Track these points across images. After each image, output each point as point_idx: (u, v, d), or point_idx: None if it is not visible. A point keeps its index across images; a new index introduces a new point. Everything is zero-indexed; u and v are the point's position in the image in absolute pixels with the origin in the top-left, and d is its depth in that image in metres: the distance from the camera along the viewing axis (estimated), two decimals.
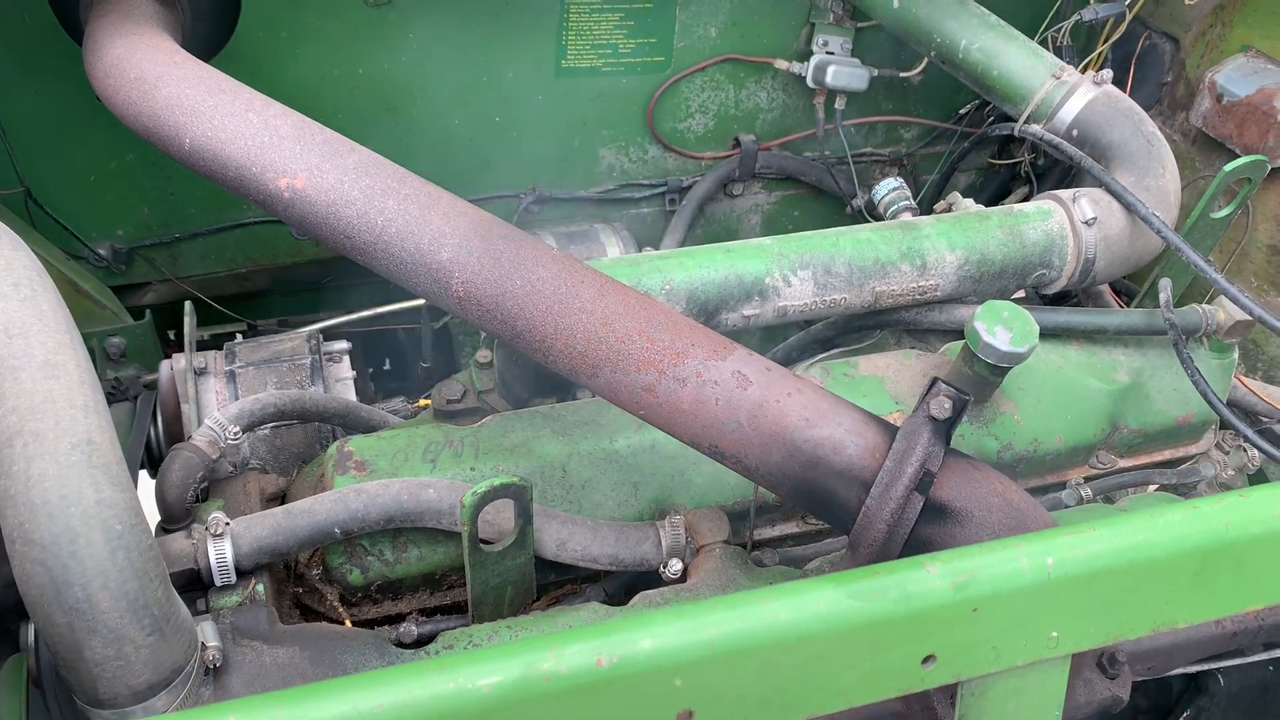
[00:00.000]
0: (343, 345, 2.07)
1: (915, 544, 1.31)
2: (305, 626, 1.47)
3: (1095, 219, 1.91)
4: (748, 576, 1.56)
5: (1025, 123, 2.14)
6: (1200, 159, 2.39)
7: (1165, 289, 1.87)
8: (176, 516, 1.53)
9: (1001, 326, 1.68)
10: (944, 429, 1.33)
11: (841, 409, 1.38)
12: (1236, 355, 1.99)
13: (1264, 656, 1.95)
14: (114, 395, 2.25)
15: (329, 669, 1.37)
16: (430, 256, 1.45)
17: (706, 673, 0.94)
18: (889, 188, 2.06)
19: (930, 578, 0.99)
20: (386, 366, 3.03)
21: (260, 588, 1.48)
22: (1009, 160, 2.71)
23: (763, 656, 0.95)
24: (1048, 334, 1.92)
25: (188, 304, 1.97)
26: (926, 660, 1.01)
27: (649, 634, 0.93)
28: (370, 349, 2.91)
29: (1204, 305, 1.93)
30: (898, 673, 1.00)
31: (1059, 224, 1.93)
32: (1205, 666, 1.96)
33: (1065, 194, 1.96)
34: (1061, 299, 2.22)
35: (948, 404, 1.32)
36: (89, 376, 1.26)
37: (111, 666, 1.17)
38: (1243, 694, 2.22)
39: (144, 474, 2.00)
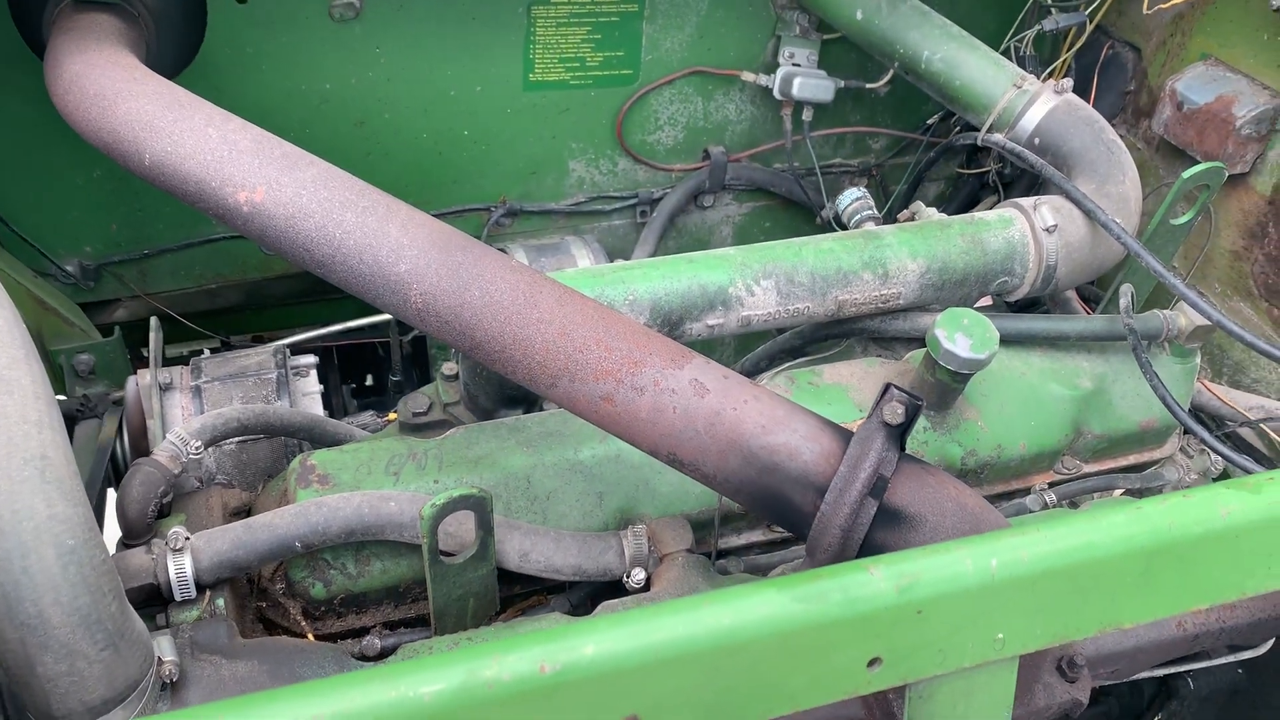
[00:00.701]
0: (309, 360, 2.07)
1: (870, 549, 1.32)
2: (265, 640, 1.46)
3: (1056, 226, 1.93)
4: (710, 585, 1.57)
5: (988, 132, 2.16)
6: (1163, 167, 2.41)
7: (1126, 295, 1.88)
8: (137, 531, 1.53)
9: (962, 334, 1.69)
10: (897, 434, 1.34)
11: (797, 415, 1.39)
12: (1199, 360, 2.00)
13: (1230, 659, 1.96)
14: (82, 413, 2.25)
15: (287, 682, 1.37)
16: (389, 269, 1.46)
17: (652, 678, 0.95)
18: (852, 198, 2.08)
19: (874, 580, 1.00)
20: (369, 382, 3.03)
21: (220, 602, 1.48)
22: (977, 170, 2.73)
23: (707, 661, 0.96)
24: (1010, 341, 1.93)
25: (154, 319, 1.96)
26: (872, 663, 1.01)
27: (593, 640, 0.94)
28: (352, 364, 2.91)
29: (1165, 311, 1.94)
30: (844, 676, 1.01)
31: (1020, 232, 1.95)
32: (1173, 670, 1.97)
33: (1026, 202, 1.98)
34: (1031, 307, 2.24)
35: (900, 409, 1.33)
36: (44, 391, 1.26)
37: (64, 682, 1.17)
38: (1212, 697, 2.23)
39: (112, 491, 1.99)
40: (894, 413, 1.33)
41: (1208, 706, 2.25)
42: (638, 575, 1.57)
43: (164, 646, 1.32)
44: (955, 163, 2.80)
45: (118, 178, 2.26)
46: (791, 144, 2.58)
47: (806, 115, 2.54)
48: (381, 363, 2.91)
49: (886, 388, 1.35)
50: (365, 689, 0.89)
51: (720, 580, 1.59)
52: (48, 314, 2.22)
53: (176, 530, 1.47)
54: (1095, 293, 2.36)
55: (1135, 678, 1.97)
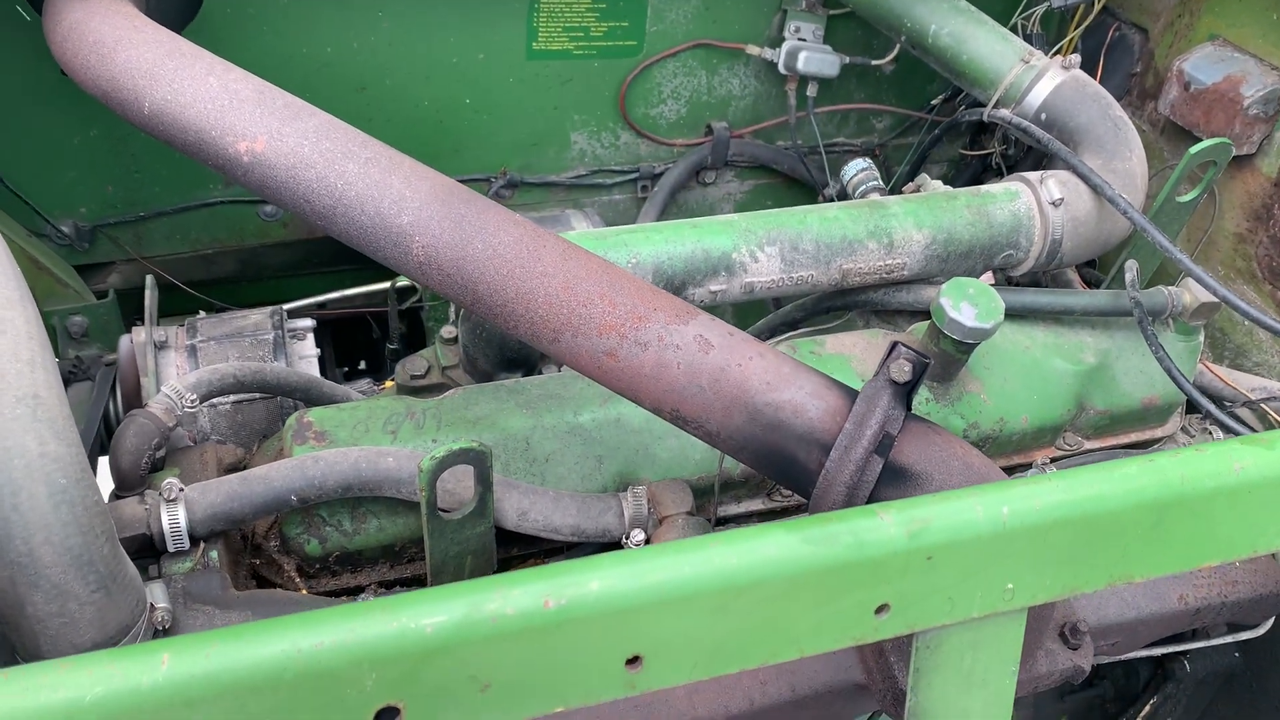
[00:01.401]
0: (307, 323, 2.05)
1: None
2: (258, 592, 1.44)
3: (1062, 200, 1.91)
4: None
5: (994, 107, 2.14)
6: (1168, 149, 2.40)
7: (1131, 269, 1.87)
8: (130, 483, 1.51)
9: (967, 303, 1.67)
10: (904, 392, 1.32)
11: (803, 373, 1.37)
12: (1202, 338, 1.99)
13: (1229, 639, 1.95)
14: (75, 375, 2.22)
15: None
16: (391, 220, 1.44)
17: (656, 617, 0.93)
18: (857, 168, 2.06)
19: (884, 525, 0.98)
20: (362, 366, 3.01)
21: (214, 554, 1.45)
22: (980, 151, 2.72)
23: (713, 601, 0.94)
24: (1014, 315, 1.92)
25: (149, 278, 1.94)
26: (880, 610, 1.00)
27: (598, 577, 0.92)
28: (345, 347, 2.89)
29: (1170, 287, 1.93)
30: (851, 622, 0.99)
31: (1026, 205, 1.93)
32: (1171, 649, 1.96)
33: (1033, 176, 1.97)
34: (1030, 286, 2.22)
35: (908, 367, 1.31)
36: (37, 332, 1.24)
37: (55, 623, 1.15)
38: (1209, 680, 2.22)
39: (104, 460, 1.97)
40: (901, 370, 1.31)
41: (1204, 690, 2.24)
42: (637, 536, 1.55)
43: (156, 593, 1.30)
44: (959, 144, 2.78)
45: (114, 138, 2.24)
46: (795, 120, 2.57)
47: (811, 91, 2.53)
48: (376, 344, 2.90)
49: (894, 345, 1.33)
50: (366, 620, 0.87)
51: None
52: (41, 274, 2.19)
53: (170, 481, 1.45)
54: (1096, 276, 2.35)
55: (1133, 655, 1.96)
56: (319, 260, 2.74)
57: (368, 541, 1.58)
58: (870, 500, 1.30)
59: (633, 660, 0.94)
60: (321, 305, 2.37)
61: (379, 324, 2.98)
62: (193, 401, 1.58)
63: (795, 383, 1.35)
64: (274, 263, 2.68)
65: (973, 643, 1.05)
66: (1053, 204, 1.91)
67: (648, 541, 1.57)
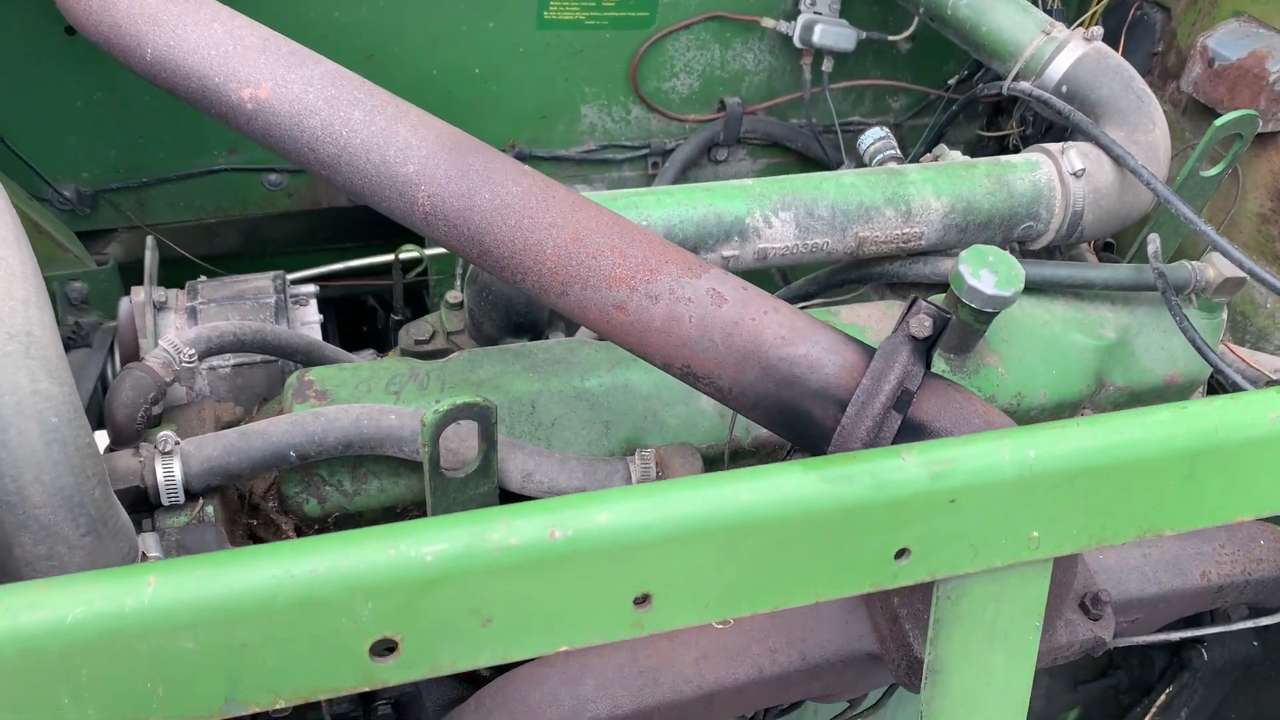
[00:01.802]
0: (310, 288, 2.01)
1: None
2: (256, 547, 1.40)
3: (1084, 170, 1.87)
4: None
5: (1014, 80, 2.10)
6: (1190, 129, 2.36)
7: (1154, 241, 1.83)
8: (125, 438, 1.47)
9: (987, 270, 1.63)
10: (924, 348, 1.28)
11: (818, 328, 1.33)
12: (1225, 316, 1.95)
13: (1248, 624, 1.90)
14: (74, 341, 2.19)
15: None
16: (396, 169, 1.40)
17: (667, 554, 0.89)
18: (874, 137, 2.01)
19: (906, 466, 0.94)
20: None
21: (210, 510, 1.41)
22: (998, 132, 2.67)
23: (726, 539, 0.90)
24: (1033, 288, 1.87)
25: (149, 238, 1.91)
26: (900, 554, 0.95)
27: (607, 509, 0.88)
28: (346, 329, 2.85)
29: (1193, 262, 1.88)
30: (869, 566, 0.95)
31: (1047, 175, 1.89)
32: (1188, 634, 1.91)
33: (1054, 146, 1.92)
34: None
35: (928, 322, 1.27)
36: (32, 272, 1.22)
37: (43, 566, 1.11)
38: (1227, 669, 2.17)
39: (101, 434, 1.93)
40: (921, 325, 1.27)
41: (1221, 679, 2.19)
42: None
43: (149, 544, 1.26)
44: (975, 125, 2.74)
45: (118, 101, 2.20)
46: (810, 96, 2.53)
47: (826, 66, 2.49)
48: (381, 331, 2.86)
49: (914, 300, 1.29)
50: (363, 548, 0.83)
51: None
52: (41, 238, 2.16)
53: (166, 433, 1.41)
54: (1114, 259, 2.30)
55: (1151, 640, 1.92)
56: (323, 236, 2.71)
57: (368, 503, 1.54)
58: None
59: (641, 600, 0.90)
60: (326, 278, 2.33)
61: (383, 305, 2.95)
62: (191, 356, 1.54)
63: (811, 338, 1.31)
64: (277, 236, 2.64)
65: (995, 594, 1.01)
66: (1074, 175, 1.87)
67: None
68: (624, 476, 1.53)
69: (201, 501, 1.41)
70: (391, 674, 0.85)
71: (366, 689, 0.85)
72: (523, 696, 1.37)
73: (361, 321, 2.92)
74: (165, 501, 1.39)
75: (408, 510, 1.57)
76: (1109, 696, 2.35)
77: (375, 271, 2.46)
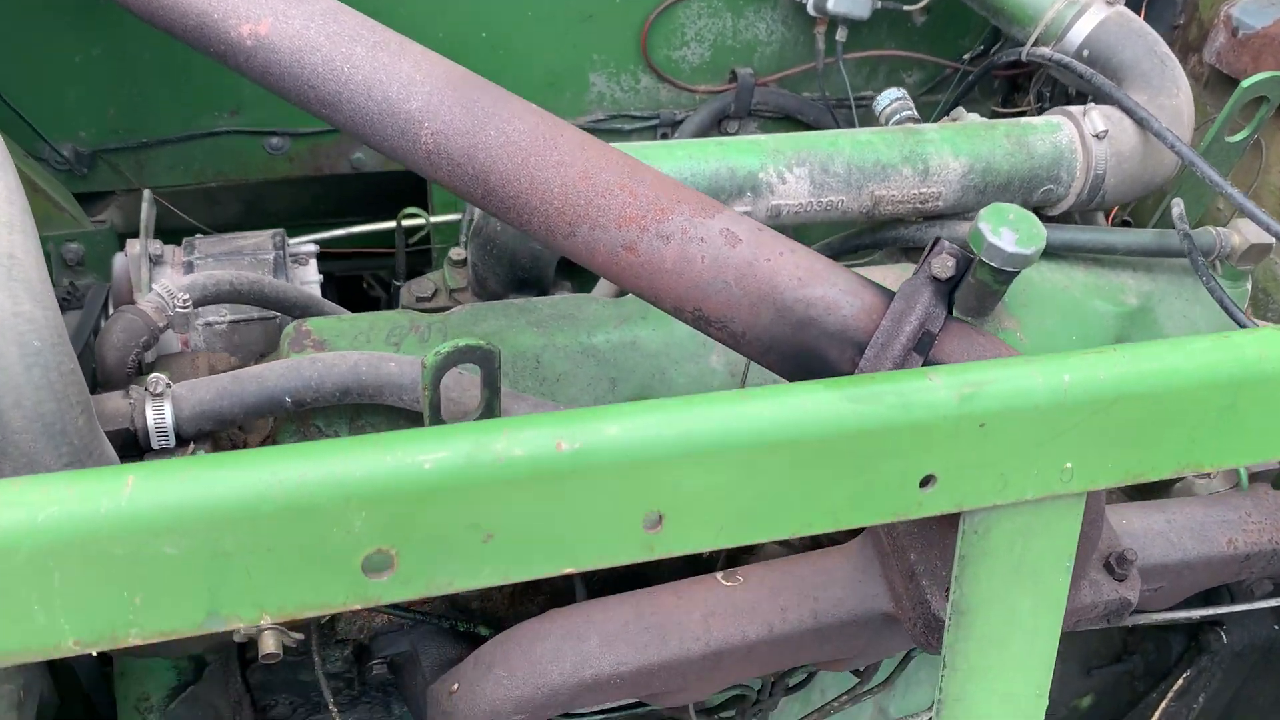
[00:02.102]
0: (310, 248, 1.96)
1: None
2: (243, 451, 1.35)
3: (1106, 132, 1.82)
4: None
5: (1034, 45, 2.05)
6: (1211, 102, 2.30)
7: (1179, 205, 1.77)
8: (116, 381, 1.42)
9: (1007, 228, 1.56)
10: (946, 290, 1.23)
11: (836, 270, 1.28)
12: (1250, 286, 1.90)
13: (1273, 602, 1.84)
14: (68, 302, 2.14)
15: None
16: (399, 106, 1.35)
17: (680, 471, 0.83)
18: (891, 98, 1.97)
19: (933, 387, 0.89)
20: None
21: (202, 455, 1.36)
22: (1014, 109, 2.62)
23: (744, 458, 0.85)
24: (1054, 252, 1.82)
25: (146, 192, 1.85)
26: (926, 482, 0.90)
27: (618, 423, 0.82)
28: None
29: (1218, 228, 1.83)
30: (893, 493, 0.89)
31: (1068, 137, 1.84)
32: (1209, 611, 1.85)
33: (1076, 109, 1.87)
34: None
35: (950, 262, 1.23)
36: (17, 199, 1.18)
37: None
38: (1246, 653, 2.11)
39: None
40: (943, 265, 1.22)
41: (1240, 663, 2.13)
42: None
43: None
44: (991, 102, 2.69)
45: (117, 57, 2.16)
46: (823, 67, 2.47)
47: (840, 35, 2.44)
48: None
49: (935, 240, 1.24)
50: (357, 453, 0.78)
51: None
52: (37, 196, 2.10)
53: (157, 375, 1.36)
54: None
55: (1172, 617, 1.86)
56: (325, 208, 2.66)
57: None
58: None
59: (653, 521, 0.84)
60: (327, 242, 2.27)
61: (384, 288, 2.90)
62: (185, 302, 1.50)
63: (828, 279, 1.26)
64: (278, 207, 2.60)
65: (1025, 529, 0.96)
66: (1096, 137, 1.82)
67: None
68: None
69: (193, 446, 1.36)
70: (385, 591, 0.80)
71: (359, 607, 0.80)
72: (524, 652, 1.32)
73: (364, 307, 2.87)
74: (155, 445, 1.34)
75: None
76: (1124, 682, 2.29)
77: (377, 240, 2.41)
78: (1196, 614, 1.86)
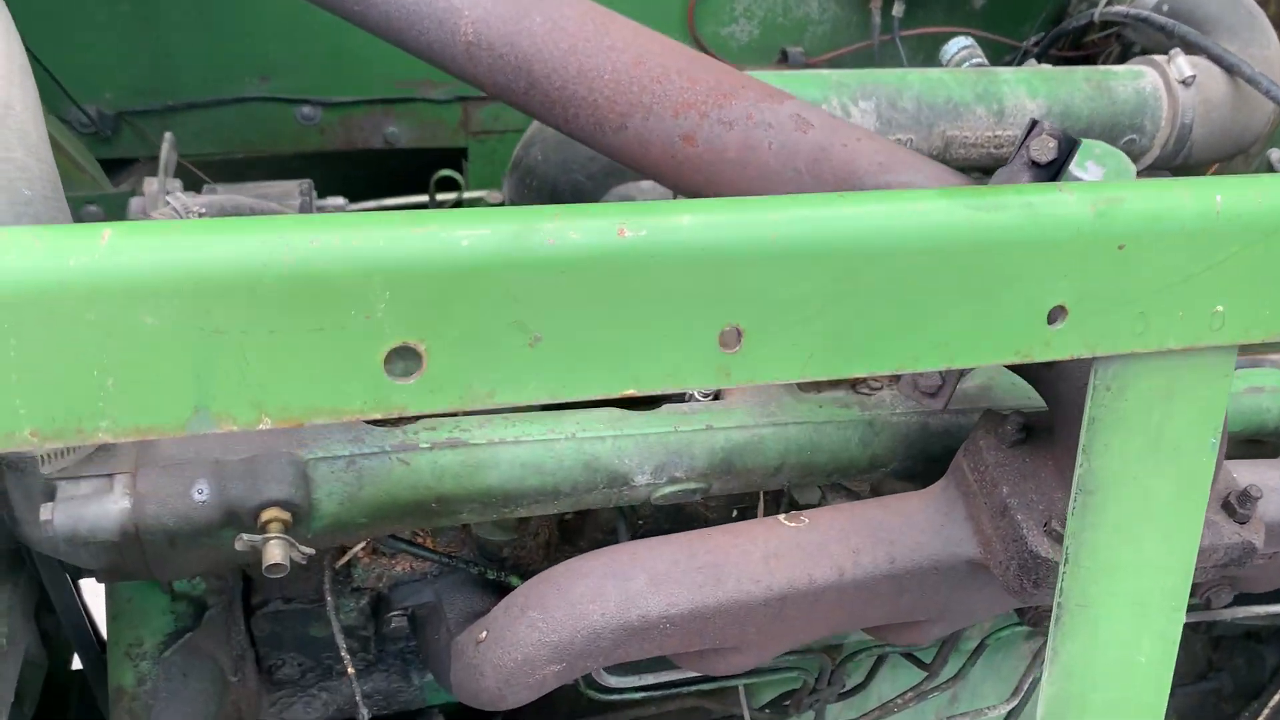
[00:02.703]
0: (339, 200, 1.85)
1: None
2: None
3: (1193, 78, 1.69)
4: (795, 399, 1.31)
5: (1107, 5, 1.94)
6: None
7: (1277, 152, 1.64)
8: None
9: (1094, 162, 1.44)
10: (1046, 177, 1.10)
11: (920, 158, 1.15)
12: None
13: None
14: None
15: (282, 435, 1.12)
16: None
17: (765, 277, 0.69)
18: (959, 46, 1.84)
19: (1066, 200, 0.75)
20: None
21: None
22: None
23: (842, 267, 0.71)
24: None
25: (168, 134, 1.75)
26: (1055, 316, 0.76)
27: (692, 213, 0.69)
28: None
29: None
30: (1016, 325, 0.75)
31: (1152, 84, 1.71)
32: None
33: (1160, 57, 1.75)
34: None
35: (1051, 144, 1.09)
36: (18, 55, 1.11)
37: None
38: None
39: None
40: (1044, 148, 1.09)
41: None
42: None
43: None
44: None
45: (144, 15, 2.07)
46: (879, 44, 2.37)
47: (897, 11, 2.33)
48: None
49: (1033, 123, 1.11)
50: (383, 224, 0.65)
51: (809, 398, 1.32)
52: (59, 155, 2.00)
53: None
54: None
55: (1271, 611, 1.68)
56: (356, 189, 2.56)
57: None
58: None
59: (730, 338, 0.70)
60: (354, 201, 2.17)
61: None
62: (200, 214, 1.38)
63: (913, 166, 1.13)
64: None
65: (1166, 389, 0.81)
66: (1183, 83, 1.69)
67: (718, 392, 1.33)
68: None
69: None
70: (412, 398, 0.66)
71: (379, 415, 0.66)
72: (562, 592, 1.17)
73: None
74: None
75: None
76: (1209, 703, 2.09)
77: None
78: None
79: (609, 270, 0.67)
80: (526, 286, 0.66)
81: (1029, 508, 1.14)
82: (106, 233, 0.61)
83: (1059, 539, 1.09)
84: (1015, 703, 1.66)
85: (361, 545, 1.33)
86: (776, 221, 0.69)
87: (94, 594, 1.52)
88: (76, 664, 1.72)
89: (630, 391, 0.70)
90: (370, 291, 0.63)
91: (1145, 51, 1.78)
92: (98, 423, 0.62)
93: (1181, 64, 1.70)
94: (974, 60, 1.82)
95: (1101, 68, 1.73)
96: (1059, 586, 0.85)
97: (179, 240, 0.61)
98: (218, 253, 0.61)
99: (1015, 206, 0.73)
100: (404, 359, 0.65)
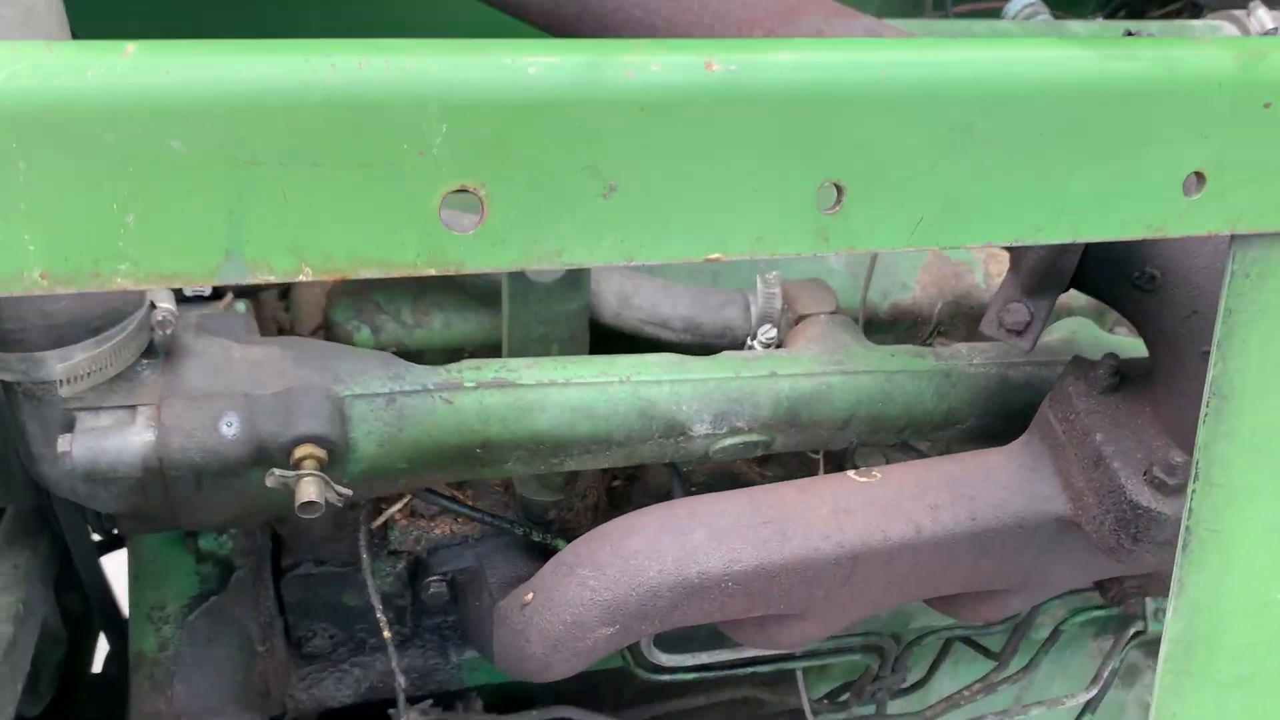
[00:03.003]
0: None
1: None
2: (290, 337, 1.14)
3: (1277, 30, 1.60)
4: (865, 347, 1.22)
5: None
6: None
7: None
8: None
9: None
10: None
11: None
12: None
13: None
14: None
15: (315, 371, 1.04)
16: None
17: (872, 126, 0.61)
18: (1023, 2, 1.77)
19: (1206, 53, 0.66)
20: None
21: (241, 306, 1.16)
22: None
23: (956, 116, 0.62)
24: None
25: None
26: (1192, 184, 0.67)
27: (789, 50, 0.61)
28: None
29: None
30: (1150, 192, 0.66)
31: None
32: None
33: (1238, 11, 1.66)
34: None
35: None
36: None
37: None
38: None
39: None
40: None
41: None
42: (767, 332, 1.23)
43: (161, 294, 1.00)
44: None
45: None
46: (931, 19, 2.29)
47: None
48: None
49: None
50: (443, 51, 0.57)
51: (878, 349, 1.23)
52: None
53: None
54: None
55: None
56: None
57: (430, 340, 1.28)
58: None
59: (830, 197, 0.62)
60: None
61: None
62: None
63: None
64: None
65: None
66: (1265, 35, 1.60)
67: (780, 342, 1.25)
68: (742, 307, 1.25)
69: (230, 296, 1.16)
70: (470, 252, 0.58)
71: (433, 270, 0.58)
72: (616, 548, 1.08)
73: None
74: (188, 292, 1.14)
75: (476, 354, 1.30)
76: None
77: None
78: None
79: (694, 111, 0.59)
80: (600, 125, 0.58)
81: (1126, 455, 1.04)
82: (130, 46, 0.53)
83: (1162, 488, 1.00)
84: (1095, 691, 1.55)
85: (399, 505, 1.25)
86: (886, 62, 0.61)
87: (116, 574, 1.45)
88: (97, 666, 1.65)
89: (716, 256, 0.61)
90: (425, 123, 0.55)
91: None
92: (116, 265, 0.54)
93: (1262, 16, 1.61)
94: (1040, 16, 1.73)
95: (1177, 22, 1.65)
96: (1186, 509, 0.75)
97: (211, 58, 0.54)
98: (254, 72, 0.54)
99: (1149, 55, 0.65)
100: (463, 204, 0.57)
